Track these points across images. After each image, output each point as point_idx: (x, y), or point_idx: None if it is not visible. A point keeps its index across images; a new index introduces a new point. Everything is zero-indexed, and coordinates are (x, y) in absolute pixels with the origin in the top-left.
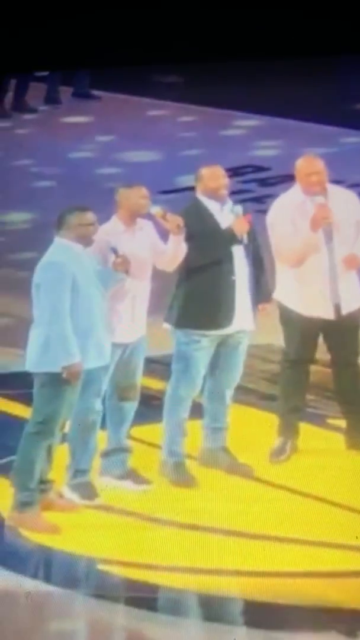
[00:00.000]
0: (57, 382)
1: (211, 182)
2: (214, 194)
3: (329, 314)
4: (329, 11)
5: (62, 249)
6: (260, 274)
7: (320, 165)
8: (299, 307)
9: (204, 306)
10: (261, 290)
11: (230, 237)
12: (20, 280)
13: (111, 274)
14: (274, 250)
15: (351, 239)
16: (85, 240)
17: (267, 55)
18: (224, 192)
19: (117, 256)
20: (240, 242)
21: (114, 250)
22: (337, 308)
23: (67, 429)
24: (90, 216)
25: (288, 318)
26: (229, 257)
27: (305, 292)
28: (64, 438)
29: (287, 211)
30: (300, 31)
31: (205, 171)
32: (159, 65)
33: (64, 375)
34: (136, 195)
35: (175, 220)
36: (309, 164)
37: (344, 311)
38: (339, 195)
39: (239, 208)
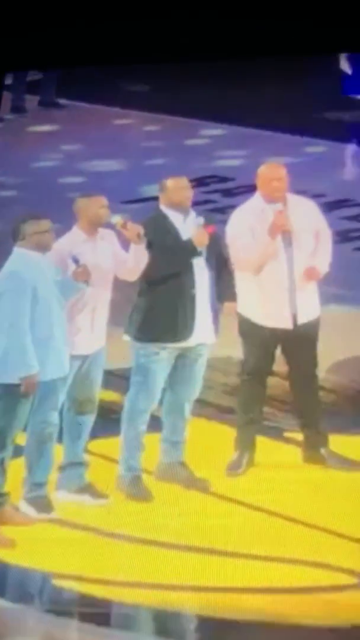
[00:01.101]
0: (12, 394)
1: (175, 194)
2: (177, 205)
3: (286, 324)
4: (295, 16)
5: (21, 258)
6: (225, 278)
7: (282, 172)
8: (258, 317)
9: (164, 318)
10: (225, 292)
11: (190, 249)
12: None
13: (71, 283)
14: (233, 258)
15: (310, 248)
16: (43, 247)
17: (232, 63)
18: (188, 204)
19: (78, 266)
20: (199, 254)
21: (75, 260)
22: (294, 318)
23: (19, 441)
24: (45, 223)
25: (247, 329)
26: (189, 269)
27: (264, 302)
28: (18, 451)
29: (246, 219)
30: (266, 39)
31: (170, 182)
32: (125, 74)
33: (22, 387)
34: (95, 205)
35: (135, 230)
36: (272, 169)
37: (300, 321)
38: (298, 204)
39: (200, 219)
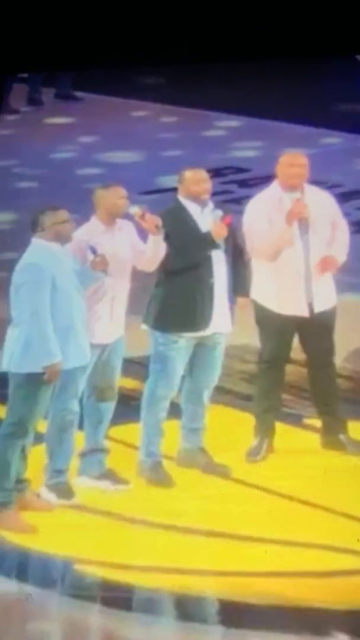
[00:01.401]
0: (35, 382)
1: (194, 185)
2: (195, 197)
3: (303, 312)
4: (310, 13)
5: (40, 249)
6: (240, 271)
7: (304, 160)
8: (274, 305)
9: (182, 308)
10: (240, 285)
11: (208, 242)
12: (0, 280)
13: (90, 273)
14: (249, 246)
15: (326, 239)
16: (62, 238)
17: (248, 56)
18: (206, 196)
19: (96, 255)
20: (218, 247)
21: (93, 250)
22: (310, 306)
23: (40, 428)
24: (63, 214)
25: (264, 317)
26: (208, 260)
27: (280, 290)
28: (39, 438)
29: (263, 207)
30: (282, 32)
31: (188, 174)
32: (141, 67)
33: (45, 376)
34: (114, 196)
35: (153, 221)
36: (294, 156)
37: (317, 309)
38: (316, 194)
39: (218, 212)
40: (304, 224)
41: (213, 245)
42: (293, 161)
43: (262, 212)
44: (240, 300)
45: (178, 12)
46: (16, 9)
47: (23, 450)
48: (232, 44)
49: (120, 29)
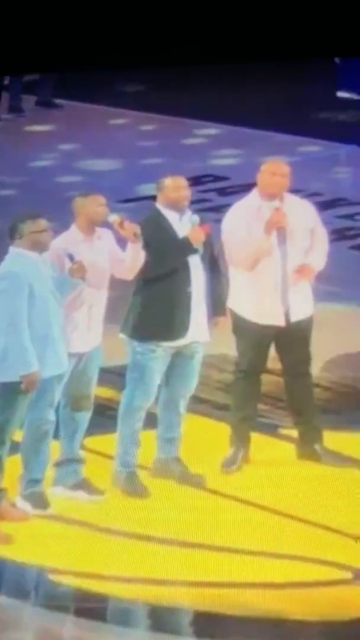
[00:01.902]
0: (11, 391)
1: (173, 192)
2: (174, 205)
3: (279, 321)
4: (291, 19)
5: (17, 258)
6: (216, 286)
7: (286, 169)
8: (251, 315)
9: (159, 317)
10: (217, 303)
11: (186, 246)
12: None
13: (67, 280)
14: (227, 254)
15: (304, 247)
16: (40, 247)
17: (227, 63)
18: (185, 203)
19: (74, 262)
20: (195, 251)
21: (70, 257)
22: (287, 315)
23: (17, 437)
24: (42, 223)
25: (241, 327)
26: (185, 268)
27: (257, 299)
28: (15, 448)
29: (242, 216)
30: (262, 39)
31: (167, 181)
32: (121, 73)
33: (22, 385)
34: (93, 204)
35: (132, 229)
36: (276, 165)
37: (293, 319)
38: (294, 203)
39: (195, 217)
40: (282, 233)
41: (190, 250)
42: (275, 170)
43: (241, 220)
44: (217, 319)
45: (157, 19)
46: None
47: None
48: (211, 51)
49: (100, 35)
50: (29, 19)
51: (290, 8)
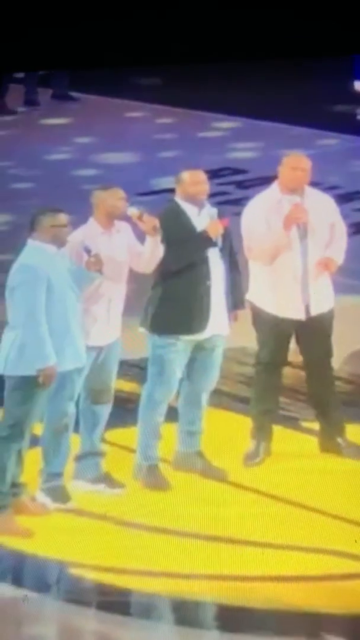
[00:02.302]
0: (30, 385)
1: (191, 186)
2: (193, 199)
3: (300, 315)
4: (308, 15)
5: (35, 251)
6: (235, 279)
7: (307, 163)
8: (272, 308)
9: (179, 311)
10: (235, 296)
11: (205, 240)
12: None
13: (85, 273)
14: (246, 248)
15: (325, 241)
16: (59, 241)
17: (245, 57)
18: (203, 197)
19: (91, 256)
20: (214, 244)
21: (87, 250)
22: (307, 309)
23: (37, 431)
24: (63, 217)
25: (261, 320)
26: (205, 261)
27: (278, 292)
28: (35, 441)
29: (262, 209)
30: (279, 34)
31: (186, 175)
32: (138, 67)
33: (40, 379)
34: (113, 197)
35: (151, 222)
36: (298, 159)
37: (313, 312)
38: (315, 197)
39: (214, 211)
40: (302, 228)
41: (209, 243)
42: (297, 164)
43: (261, 215)
44: (236, 312)
45: (175, 13)
46: (13, 9)
47: (19, 453)
48: (229, 45)
49: (117, 30)
50: (45, 14)
51: (307, 5)
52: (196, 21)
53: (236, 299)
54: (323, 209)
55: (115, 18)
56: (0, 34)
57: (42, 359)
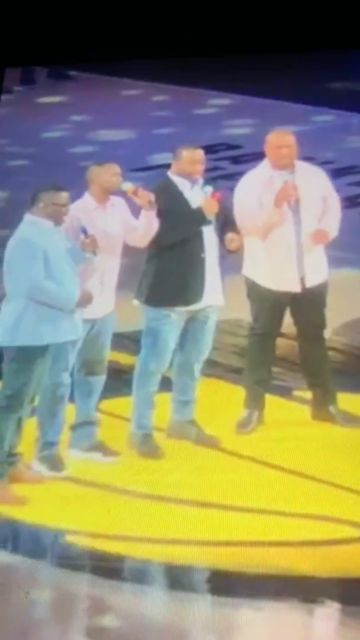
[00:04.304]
0: (28, 355)
1: (188, 165)
2: (187, 176)
3: (295, 287)
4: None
5: (31, 225)
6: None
7: (291, 139)
8: (266, 281)
9: (173, 283)
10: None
11: (199, 217)
12: None
13: (79, 252)
14: (239, 224)
15: (317, 214)
16: (56, 218)
17: (241, 35)
18: (198, 176)
19: (86, 236)
20: (209, 222)
21: (84, 230)
22: (302, 281)
23: (36, 402)
24: (64, 196)
25: (255, 292)
26: (199, 236)
27: (272, 265)
28: (33, 411)
29: (253, 186)
30: (273, 14)
31: (185, 152)
32: (135, 55)
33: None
34: (108, 173)
35: (146, 196)
36: (280, 136)
37: (309, 284)
38: (306, 171)
39: (208, 188)
40: (294, 203)
41: (204, 221)
42: (280, 142)
43: (253, 192)
44: (230, 235)
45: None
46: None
47: (18, 423)
48: (226, 23)
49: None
50: (36, 7)
51: None
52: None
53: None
54: (315, 183)
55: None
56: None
57: (70, 299)
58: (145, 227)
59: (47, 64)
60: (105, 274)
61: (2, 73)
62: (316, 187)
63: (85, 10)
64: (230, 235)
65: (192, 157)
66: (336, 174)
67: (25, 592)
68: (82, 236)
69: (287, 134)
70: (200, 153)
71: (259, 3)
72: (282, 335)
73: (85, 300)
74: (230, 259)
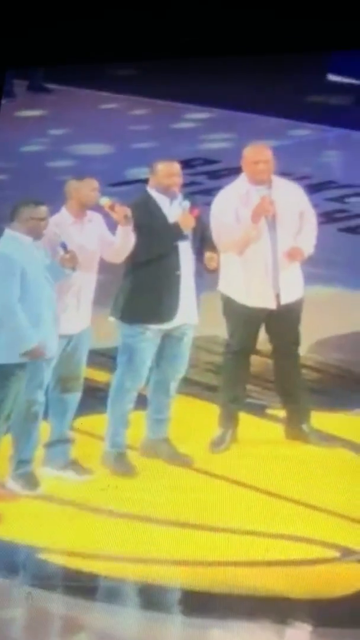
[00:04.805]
0: (4, 373)
1: (165, 178)
2: (165, 190)
3: (270, 304)
4: (283, 11)
5: (11, 240)
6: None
7: (268, 154)
8: (242, 297)
9: (148, 300)
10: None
11: (175, 232)
12: None
13: (58, 268)
14: (215, 240)
15: (294, 230)
16: (35, 233)
17: (218, 49)
18: (176, 189)
19: (66, 252)
20: (185, 237)
21: (64, 245)
22: (278, 298)
23: (11, 419)
24: (43, 210)
25: (231, 309)
26: (175, 252)
27: (247, 282)
28: (8, 429)
29: (230, 201)
30: (252, 26)
31: (161, 166)
32: (113, 61)
33: (27, 359)
34: (87, 188)
35: (122, 211)
36: (257, 151)
37: (284, 301)
38: (283, 186)
39: (186, 203)
40: (271, 219)
41: (180, 236)
42: (257, 157)
43: (229, 207)
44: (208, 254)
45: (150, 5)
46: None
47: None
48: (203, 37)
49: (92, 23)
50: (21, 8)
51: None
52: (170, 14)
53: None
54: (292, 198)
55: (90, 10)
56: None
57: (24, 343)
58: (122, 243)
59: (26, 75)
60: (81, 290)
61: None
62: (293, 202)
63: (65, 20)
64: (209, 254)
65: (169, 170)
66: (313, 189)
67: (28, 593)
68: (61, 252)
69: (264, 149)
70: (176, 166)
71: (236, 16)
72: (256, 352)
73: (36, 355)
74: (206, 275)
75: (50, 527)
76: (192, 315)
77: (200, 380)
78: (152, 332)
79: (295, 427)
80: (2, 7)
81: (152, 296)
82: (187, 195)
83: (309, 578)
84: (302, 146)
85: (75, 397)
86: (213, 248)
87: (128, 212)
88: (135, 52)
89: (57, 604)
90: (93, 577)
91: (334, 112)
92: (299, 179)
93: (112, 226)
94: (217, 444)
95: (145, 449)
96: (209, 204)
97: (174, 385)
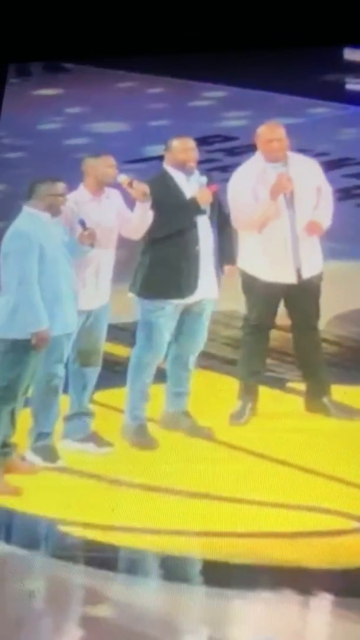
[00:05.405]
0: (22, 348)
1: (180, 153)
2: (181, 166)
3: (290, 279)
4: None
5: (29, 217)
6: (225, 241)
7: (281, 132)
8: (262, 273)
9: (168, 275)
10: (226, 255)
11: (194, 208)
12: None
13: (77, 246)
14: (234, 218)
15: (311, 205)
16: (53, 210)
17: (236, 28)
18: (192, 164)
19: (85, 229)
20: (203, 212)
21: (82, 223)
22: (299, 272)
23: (30, 393)
24: (60, 187)
25: (250, 285)
26: (193, 227)
27: (267, 258)
28: (27, 402)
29: (247, 179)
30: (268, 9)
31: (175, 142)
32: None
33: (33, 341)
34: (103, 165)
35: (141, 188)
36: (270, 130)
37: (305, 275)
38: (299, 162)
39: (203, 179)
40: (289, 195)
41: (198, 211)
42: (270, 136)
43: (247, 185)
44: (228, 268)
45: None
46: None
47: (12, 414)
48: (222, 19)
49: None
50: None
51: None
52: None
53: (227, 256)
54: (308, 174)
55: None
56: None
57: (35, 323)
58: (140, 219)
59: (45, 59)
60: (100, 266)
61: (5, 69)
62: (310, 178)
63: (82, 6)
64: (228, 268)
65: (184, 145)
66: (331, 165)
67: (31, 592)
68: (80, 229)
69: (276, 127)
70: (190, 140)
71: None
72: (276, 326)
73: (40, 338)
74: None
75: (70, 500)
76: (212, 289)
77: (219, 354)
78: (172, 307)
79: (316, 399)
80: None
81: (172, 272)
82: (204, 172)
83: (330, 548)
84: (319, 124)
85: (94, 371)
86: (230, 225)
87: (146, 188)
88: (160, 34)
89: (79, 575)
90: (114, 549)
91: (350, 91)
92: (316, 155)
93: (129, 203)
94: (237, 417)
95: (165, 421)
96: (226, 180)
97: (192, 360)
